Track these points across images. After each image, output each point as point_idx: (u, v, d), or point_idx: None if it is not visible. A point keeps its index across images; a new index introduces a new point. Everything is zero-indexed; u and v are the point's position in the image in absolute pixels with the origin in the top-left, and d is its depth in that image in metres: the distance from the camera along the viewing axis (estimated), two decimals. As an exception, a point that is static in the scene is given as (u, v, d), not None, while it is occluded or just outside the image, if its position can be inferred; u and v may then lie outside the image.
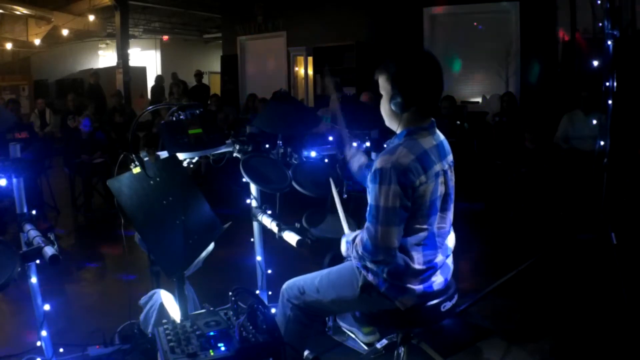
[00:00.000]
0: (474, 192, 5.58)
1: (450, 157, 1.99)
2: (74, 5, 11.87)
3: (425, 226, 1.88)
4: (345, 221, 2.31)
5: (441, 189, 1.90)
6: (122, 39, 11.50)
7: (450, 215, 1.98)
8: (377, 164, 1.82)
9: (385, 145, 2.00)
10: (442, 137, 1.99)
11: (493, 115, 6.72)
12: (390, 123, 1.98)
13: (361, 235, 1.90)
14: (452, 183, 1.97)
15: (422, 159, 1.82)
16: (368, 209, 1.87)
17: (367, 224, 1.86)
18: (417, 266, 1.90)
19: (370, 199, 1.86)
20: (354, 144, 2.95)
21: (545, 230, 4.60)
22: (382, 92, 1.94)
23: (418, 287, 1.92)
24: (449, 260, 2.05)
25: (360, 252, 1.89)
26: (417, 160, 1.80)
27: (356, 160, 2.32)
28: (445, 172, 1.91)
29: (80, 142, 6.08)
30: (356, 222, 2.62)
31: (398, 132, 1.94)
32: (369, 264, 1.95)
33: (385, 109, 1.97)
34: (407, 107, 1.87)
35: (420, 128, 1.90)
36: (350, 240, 2.02)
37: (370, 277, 1.95)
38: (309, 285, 2.10)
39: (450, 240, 2.06)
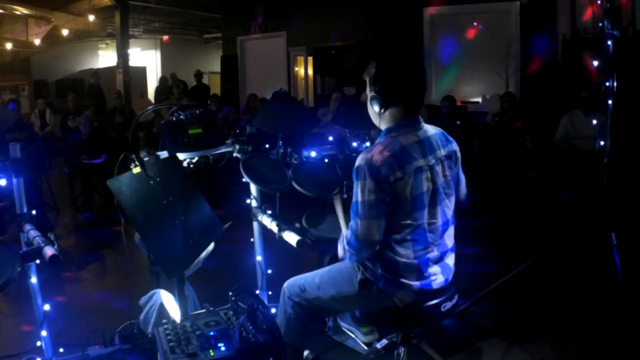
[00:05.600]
0: (474, 191, 5.58)
1: (444, 151, 1.99)
2: (74, 5, 11.85)
3: (409, 222, 1.90)
4: (345, 226, 2.31)
5: (427, 185, 1.91)
6: (122, 39, 11.49)
7: (441, 211, 1.97)
8: (356, 162, 1.89)
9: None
10: (431, 132, 2.00)
11: (493, 115, 6.72)
12: (376, 123, 2.04)
13: (347, 232, 1.95)
14: (444, 178, 1.97)
15: (398, 155, 1.86)
16: (351, 207, 1.93)
17: (350, 223, 1.92)
18: (406, 260, 1.91)
19: (353, 196, 1.92)
20: (354, 144, 2.95)
21: (545, 230, 4.60)
22: (367, 93, 2.01)
23: (415, 283, 1.92)
24: (450, 260, 2.05)
25: (347, 249, 1.93)
26: (392, 156, 1.84)
27: None
28: (432, 167, 1.92)
29: (80, 142, 6.09)
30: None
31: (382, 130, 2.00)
32: (366, 262, 1.97)
33: (369, 109, 2.04)
34: (385, 106, 1.93)
35: (400, 125, 1.94)
36: (342, 239, 2.05)
37: (368, 273, 1.98)
38: (309, 282, 2.12)
39: (448, 237, 2.05)
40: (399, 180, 1.84)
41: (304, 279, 2.14)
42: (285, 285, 2.19)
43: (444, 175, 1.98)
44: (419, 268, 1.93)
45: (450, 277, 2.05)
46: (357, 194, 1.87)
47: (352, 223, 1.90)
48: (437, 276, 1.98)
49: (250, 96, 9.12)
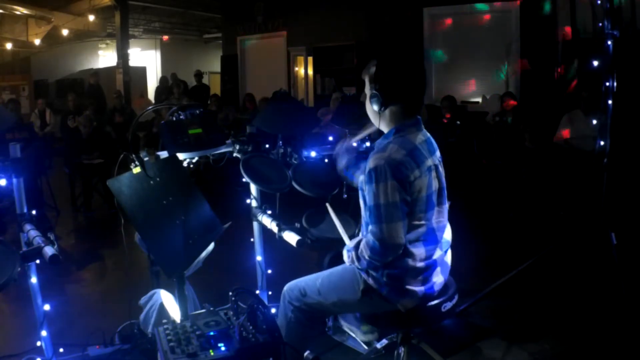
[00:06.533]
0: (474, 191, 5.58)
1: (438, 153, 2.02)
2: (74, 5, 11.85)
3: (423, 222, 1.89)
4: (345, 233, 2.29)
5: (435, 184, 1.92)
6: (122, 39, 11.50)
7: (445, 209, 2.00)
8: (370, 164, 1.84)
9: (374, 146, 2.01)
10: (428, 133, 2.02)
11: (493, 115, 6.72)
12: (375, 122, 2.02)
13: (365, 240, 1.89)
14: (443, 177, 1.99)
15: (414, 154, 1.85)
16: (368, 212, 1.87)
17: (370, 227, 1.85)
18: (417, 264, 1.90)
19: (368, 200, 1.86)
20: (354, 143, 2.94)
21: (545, 230, 4.60)
22: (366, 92, 1.99)
23: (419, 289, 1.92)
24: (447, 257, 2.06)
25: (367, 257, 1.86)
26: (408, 155, 1.83)
27: (343, 158, 2.35)
28: (436, 167, 1.94)
29: (80, 142, 6.08)
30: (356, 222, 2.62)
31: (385, 131, 1.98)
32: (368, 267, 1.95)
33: (368, 108, 2.02)
34: (385, 105, 1.91)
35: (406, 125, 1.93)
36: (352, 248, 1.98)
37: (370, 281, 1.95)
38: (310, 286, 2.09)
39: (448, 233, 2.06)
40: (417, 179, 1.83)
41: (304, 283, 2.12)
42: (285, 288, 2.17)
43: (443, 175, 2.00)
44: (425, 271, 1.92)
45: (447, 275, 2.05)
46: (378, 197, 1.80)
47: (373, 228, 1.83)
48: (438, 277, 1.98)
49: (246, 96, 9.13)
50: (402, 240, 1.83)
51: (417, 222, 1.88)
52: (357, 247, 1.95)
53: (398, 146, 1.84)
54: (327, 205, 2.47)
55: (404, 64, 1.93)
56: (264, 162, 2.74)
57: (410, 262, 1.89)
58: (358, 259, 1.92)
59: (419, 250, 1.90)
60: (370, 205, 1.84)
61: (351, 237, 2.18)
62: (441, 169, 1.98)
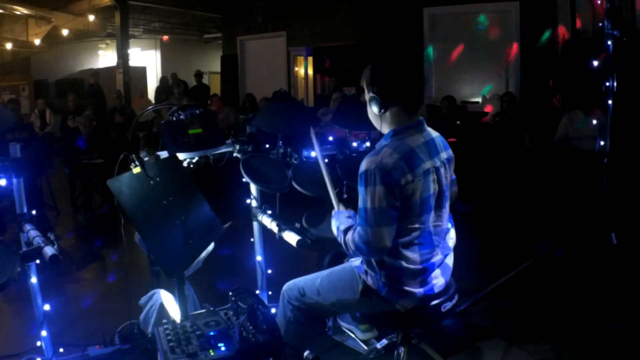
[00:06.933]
0: (473, 192, 5.59)
1: (445, 154, 1.98)
2: (74, 5, 11.85)
3: (417, 225, 1.87)
4: (335, 196, 2.27)
5: (434, 187, 1.89)
6: (122, 39, 11.50)
7: (445, 213, 1.98)
8: (362, 167, 1.83)
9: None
10: (434, 134, 1.99)
11: (493, 116, 6.72)
12: (377, 126, 2.00)
13: (353, 235, 1.90)
14: (446, 180, 1.96)
15: (408, 158, 1.82)
16: (358, 212, 1.88)
17: (357, 228, 1.87)
18: (412, 266, 1.89)
19: (359, 202, 1.87)
20: (354, 144, 2.95)
21: (545, 230, 4.60)
22: (366, 96, 1.97)
23: (419, 290, 1.91)
24: (449, 260, 2.05)
25: (352, 250, 1.90)
26: (401, 159, 1.80)
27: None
28: (437, 169, 1.91)
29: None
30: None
31: (385, 133, 1.97)
32: (366, 268, 1.95)
33: (370, 113, 2.00)
34: (385, 106, 1.89)
35: (406, 127, 1.91)
36: (342, 231, 1.98)
37: (369, 281, 1.95)
38: (309, 286, 2.09)
39: (450, 238, 2.05)
40: (409, 183, 1.80)
41: (304, 282, 2.12)
42: (284, 288, 2.17)
43: (446, 178, 1.97)
44: (423, 274, 1.91)
45: (449, 277, 2.04)
46: (366, 201, 1.81)
47: (360, 230, 1.85)
48: (439, 279, 1.97)
49: (246, 96, 9.13)
50: (388, 244, 1.82)
51: (411, 226, 1.87)
52: (346, 232, 1.95)
53: (392, 150, 1.82)
54: (311, 129, 2.44)
55: (398, 64, 1.91)
56: (264, 162, 2.74)
57: (404, 264, 1.88)
58: (345, 245, 1.94)
59: (413, 254, 1.89)
60: (360, 207, 1.85)
61: None
62: (443, 172, 1.94)
